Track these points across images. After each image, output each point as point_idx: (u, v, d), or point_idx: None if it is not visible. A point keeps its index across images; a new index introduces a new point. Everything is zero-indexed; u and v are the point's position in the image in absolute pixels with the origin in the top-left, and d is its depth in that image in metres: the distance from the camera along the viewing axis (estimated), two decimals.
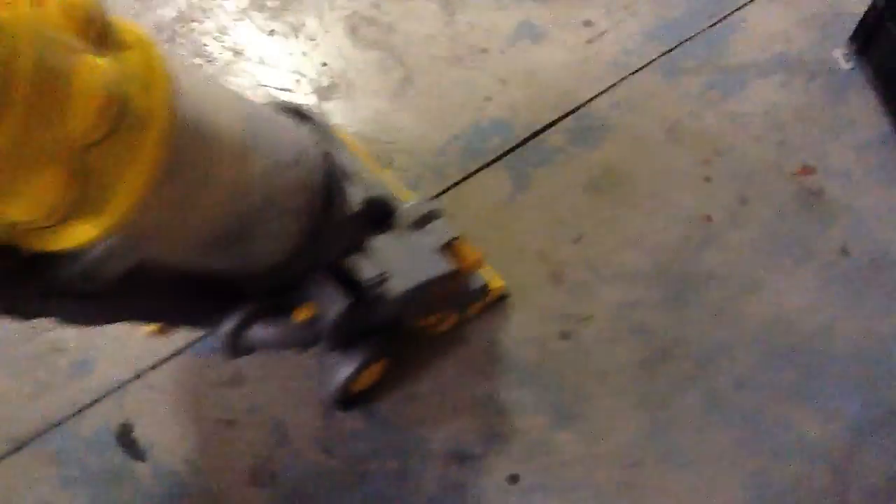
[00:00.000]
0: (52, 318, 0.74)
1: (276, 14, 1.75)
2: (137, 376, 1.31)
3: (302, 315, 0.96)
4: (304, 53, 1.70)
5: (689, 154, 1.54)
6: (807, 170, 1.53)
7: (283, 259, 0.92)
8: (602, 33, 1.68)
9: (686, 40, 1.70)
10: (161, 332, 1.07)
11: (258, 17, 1.75)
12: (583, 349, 1.31)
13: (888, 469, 1.20)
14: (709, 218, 1.45)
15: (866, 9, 1.63)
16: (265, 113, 0.88)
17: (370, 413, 1.26)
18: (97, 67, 0.59)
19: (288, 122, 0.92)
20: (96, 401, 1.29)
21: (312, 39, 1.72)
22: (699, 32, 1.71)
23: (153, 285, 0.82)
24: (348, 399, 1.14)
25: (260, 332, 0.95)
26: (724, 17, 1.74)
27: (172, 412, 1.27)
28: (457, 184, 1.48)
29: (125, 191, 0.63)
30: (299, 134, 0.91)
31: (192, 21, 1.75)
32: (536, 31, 1.71)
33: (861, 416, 1.25)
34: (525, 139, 1.57)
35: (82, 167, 0.61)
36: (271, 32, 1.73)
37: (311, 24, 1.74)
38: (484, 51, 1.68)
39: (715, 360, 1.29)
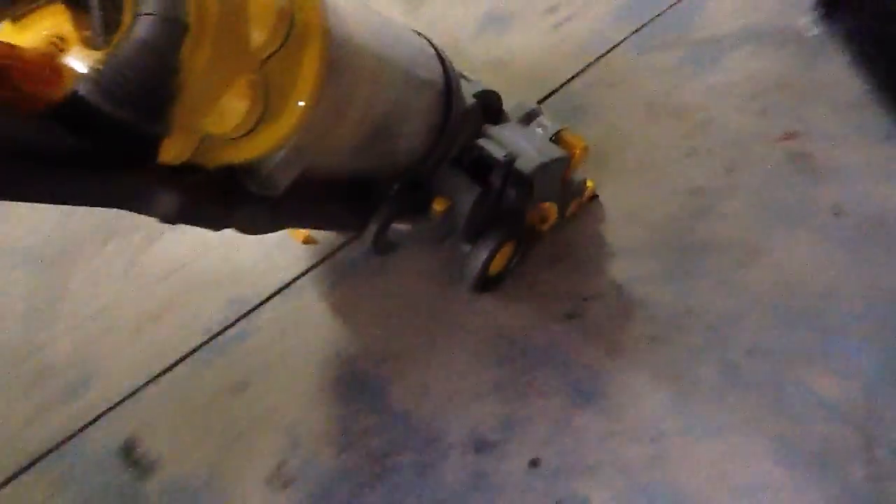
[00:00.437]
0: (233, 226, 0.85)
1: None
2: (141, 388, 1.26)
3: (438, 208, 1.08)
4: None
5: (672, 129, 1.56)
6: (791, 135, 1.55)
7: (419, 154, 1.05)
8: (568, 17, 1.71)
9: (654, 18, 1.74)
10: (309, 240, 1.25)
11: None
12: (592, 328, 1.31)
13: None
14: (700, 190, 1.46)
15: None
16: (390, 22, 0.99)
17: (383, 408, 1.23)
18: None
19: (405, 28, 1.04)
20: (97, 418, 1.24)
21: None
22: (666, 9, 1.75)
23: (313, 191, 0.94)
24: (485, 282, 1.26)
25: (402, 228, 1.08)
26: None
27: (178, 424, 1.23)
28: None
29: (297, 97, 0.75)
30: (416, 38, 1.04)
31: None
32: (503, 21, 1.73)
33: (877, 371, 1.26)
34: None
35: (263, 79, 0.72)
36: None
37: None
38: (452, 44, 1.67)
39: (724, 329, 1.30)
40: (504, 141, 1.14)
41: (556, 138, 1.23)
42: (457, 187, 1.10)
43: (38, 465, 1.20)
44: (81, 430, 1.25)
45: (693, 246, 1.40)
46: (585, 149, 1.27)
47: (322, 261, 1.44)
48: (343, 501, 1.16)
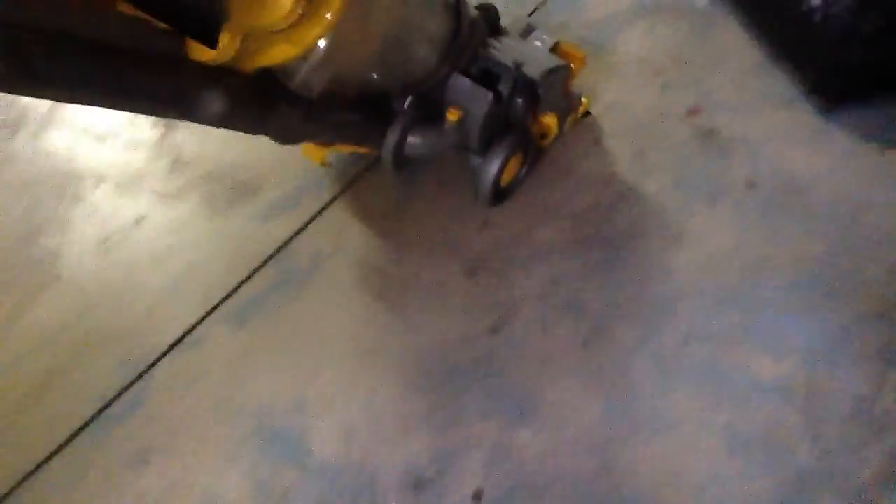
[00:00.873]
0: (269, 130, 0.95)
1: None
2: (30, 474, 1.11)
3: (452, 116, 1.15)
4: None
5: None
6: (695, 110, 1.53)
7: (431, 65, 1.12)
8: None
9: (542, 4, 1.70)
10: (326, 163, 1.36)
11: None
12: (519, 340, 1.25)
13: (852, 391, 1.18)
14: (612, 177, 1.41)
15: None
16: None
17: (305, 460, 1.13)
18: None
19: None
20: None
21: None
22: None
23: (338, 101, 1.03)
24: (498, 194, 1.32)
25: (418, 139, 1.15)
26: None
27: None
28: (337, 196, 1.37)
29: None
30: None
31: None
32: None
33: (811, 344, 1.25)
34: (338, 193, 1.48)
35: None
36: None
37: None
38: None
39: (656, 320, 1.25)
40: (508, 51, 1.19)
41: (554, 49, 1.31)
42: (469, 96, 1.16)
43: None
44: None
45: (614, 237, 1.36)
46: (583, 58, 1.35)
47: (221, 302, 1.33)
48: None
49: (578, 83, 1.53)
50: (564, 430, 1.17)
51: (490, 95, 1.15)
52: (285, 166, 1.40)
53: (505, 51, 1.20)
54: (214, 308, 1.33)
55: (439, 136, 1.17)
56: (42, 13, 0.65)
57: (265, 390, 1.24)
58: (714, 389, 1.21)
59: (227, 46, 0.78)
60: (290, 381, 1.25)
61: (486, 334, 1.25)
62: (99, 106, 0.76)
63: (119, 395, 1.28)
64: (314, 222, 1.36)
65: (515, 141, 1.26)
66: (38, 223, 1.51)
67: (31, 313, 1.38)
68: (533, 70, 1.20)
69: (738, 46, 1.64)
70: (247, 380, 1.25)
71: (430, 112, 1.15)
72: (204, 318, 1.32)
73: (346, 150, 1.33)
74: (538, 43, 1.31)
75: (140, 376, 1.30)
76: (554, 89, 1.29)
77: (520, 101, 1.20)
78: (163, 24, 0.74)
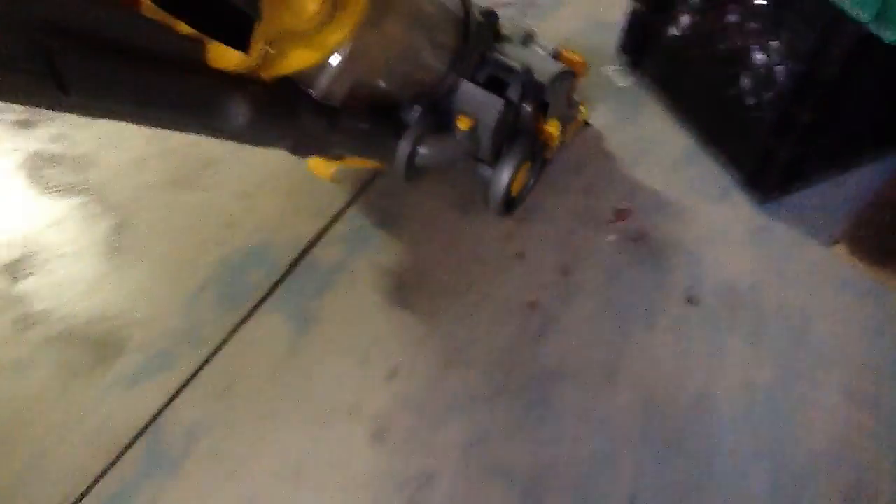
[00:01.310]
0: (290, 142, 0.93)
1: None
2: None
3: (463, 125, 1.13)
4: None
5: (493, 229, 1.33)
6: (622, 214, 1.37)
7: (443, 70, 1.12)
8: None
9: None
10: (335, 178, 1.31)
11: None
12: None
13: None
14: (534, 304, 1.22)
15: (629, 16, 1.56)
16: None
17: None
18: None
19: None
20: None
21: None
22: None
23: (356, 111, 1.00)
24: (508, 203, 1.30)
25: (429, 149, 1.13)
26: None
27: None
28: (219, 347, 1.15)
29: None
30: None
31: None
32: None
33: (769, 493, 1.10)
34: (292, 263, 1.30)
35: None
36: None
37: None
38: (212, 162, 1.37)
39: (597, 482, 1.09)
40: (514, 57, 1.19)
41: (556, 56, 1.31)
42: (479, 104, 1.15)
43: None
44: None
45: (542, 378, 1.19)
46: (585, 65, 1.36)
47: (80, 500, 1.08)
48: None
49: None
50: None
51: (501, 102, 1.14)
52: (154, 312, 1.18)
53: (511, 56, 1.20)
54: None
55: (450, 146, 1.16)
56: (66, 11, 0.63)
57: None
58: None
59: (252, 53, 0.77)
60: None
61: None
62: (118, 118, 0.73)
63: None
64: (190, 385, 1.13)
65: (526, 148, 1.24)
66: None
67: None
68: (541, 75, 1.20)
69: (664, 133, 1.50)
70: None
71: (439, 121, 1.15)
72: None
73: (354, 164, 1.28)
74: (540, 48, 1.31)
75: None
76: (560, 95, 1.28)
77: (528, 107, 1.20)
78: (186, 29, 0.72)
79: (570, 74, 1.28)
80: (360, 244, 1.30)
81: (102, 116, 0.72)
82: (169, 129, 0.80)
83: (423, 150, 1.13)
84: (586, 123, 1.50)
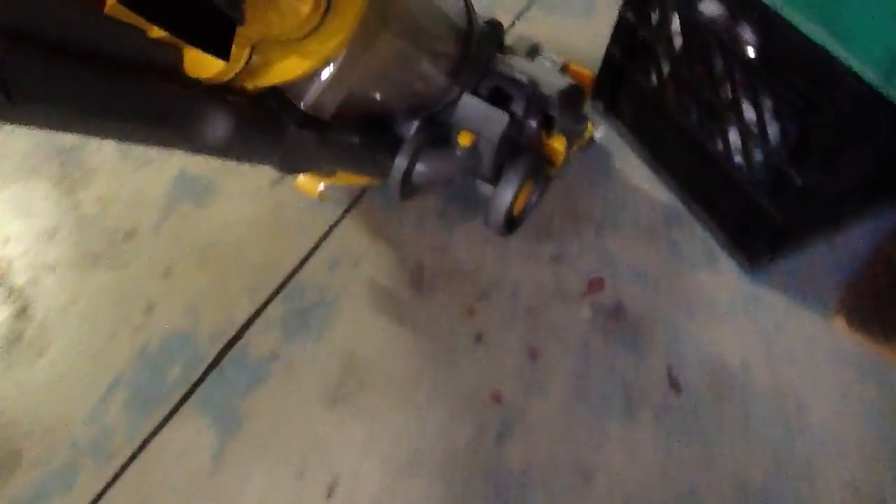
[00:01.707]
0: (278, 159, 0.84)
1: None
2: None
3: (464, 141, 1.07)
4: None
5: (450, 305, 1.21)
6: (596, 285, 1.22)
7: (444, 81, 1.04)
8: None
9: None
10: (324, 196, 1.19)
11: None
12: None
13: None
14: (497, 396, 1.06)
15: (603, 59, 1.42)
16: None
17: None
18: None
19: None
20: None
21: None
22: None
23: (349, 124, 0.94)
24: (510, 223, 1.21)
25: (427, 166, 1.07)
26: None
27: None
28: (130, 460, 0.98)
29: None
30: None
31: None
32: (202, 185, 1.25)
33: None
34: (219, 353, 1.14)
35: None
36: None
37: None
38: (131, 234, 1.19)
39: None
40: (519, 70, 1.11)
41: (564, 70, 1.26)
42: (482, 118, 1.08)
43: None
44: None
45: (506, 485, 1.04)
46: (592, 77, 1.31)
47: None
48: None
49: (454, 262, 1.27)
50: None
51: (506, 117, 1.07)
52: (56, 418, 1.02)
53: (516, 69, 1.12)
54: None
55: (449, 162, 1.10)
56: (12, 8, 0.55)
57: None
58: None
59: (232, 61, 0.71)
60: None
61: None
62: (78, 130, 0.63)
63: None
64: None
65: (529, 165, 1.15)
66: None
67: None
68: (547, 89, 1.11)
69: (642, 190, 1.37)
70: None
71: (438, 136, 1.09)
72: None
73: (345, 181, 1.17)
74: (546, 62, 1.26)
75: None
76: (566, 110, 1.19)
77: (534, 122, 1.12)
78: (158, 32, 0.65)
79: (577, 89, 1.19)
80: (297, 329, 1.13)
81: (59, 128, 0.63)
82: (139, 143, 0.71)
83: (420, 166, 1.07)
84: (592, 140, 1.41)
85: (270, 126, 0.82)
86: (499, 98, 1.11)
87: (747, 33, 1.15)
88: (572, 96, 1.20)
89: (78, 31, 0.61)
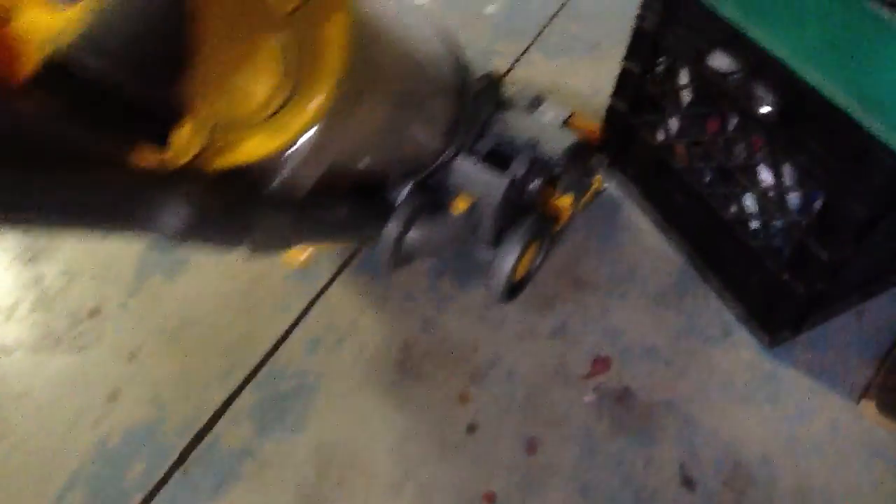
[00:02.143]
0: (249, 243, 0.76)
1: None
2: None
3: (461, 205, 1.00)
4: None
5: (440, 390, 1.12)
6: (601, 364, 1.11)
7: (438, 145, 0.98)
8: None
9: None
10: (306, 263, 1.10)
11: None
12: None
13: None
14: (490, 496, 0.97)
15: (607, 112, 1.31)
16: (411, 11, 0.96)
17: None
18: None
19: (425, 20, 0.98)
20: None
21: None
22: None
23: (332, 195, 0.86)
24: (513, 289, 1.14)
25: (421, 232, 0.99)
26: None
27: None
28: None
29: (329, 62, 0.69)
30: (434, 31, 0.98)
31: None
32: (174, 255, 1.14)
33: None
34: (186, 448, 1.04)
35: (291, 41, 0.66)
36: None
37: None
38: (95, 311, 1.08)
39: None
40: (519, 128, 1.05)
41: (568, 122, 1.18)
42: (480, 181, 1.01)
43: None
44: None
45: None
46: (598, 130, 1.24)
47: None
48: None
49: (447, 338, 1.17)
50: None
51: (505, 181, 1.00)
52: None
53: (516, 127, 1.06)
54: None
55: (445, 228, 1.02)
56: None
57: None
58: None
59: (188, 145, 0.64)
60: None
61: None
62: (15, 225, 0.56)
63: None
64: None
65: (532, 228, 1.08)
66: None
67: None
68: (550, 149, 1.05)
69: (651, 255, 1.28)
70: None
71: (432, 201, 1.01)
72: None
73: (331, 247, 1.14)
74: (551, 113, 1.19)
75: None
76: (572, 169, 1.11)
77: (536, 184, 1.06)
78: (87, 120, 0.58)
79: (583, 145, 1.12)
80: (273, 420, 1.03)
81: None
82: (90, 234, 0.64)
83: (413, 233, 0.99)
84: (600, 191, 1.33)
85: (238, 210, 0.74)
86: (498, 158, 1.03)
87: (765, 93, 1.03)
88: (578, 153, 1.12)
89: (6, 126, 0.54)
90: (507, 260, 1.08)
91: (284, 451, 1.03)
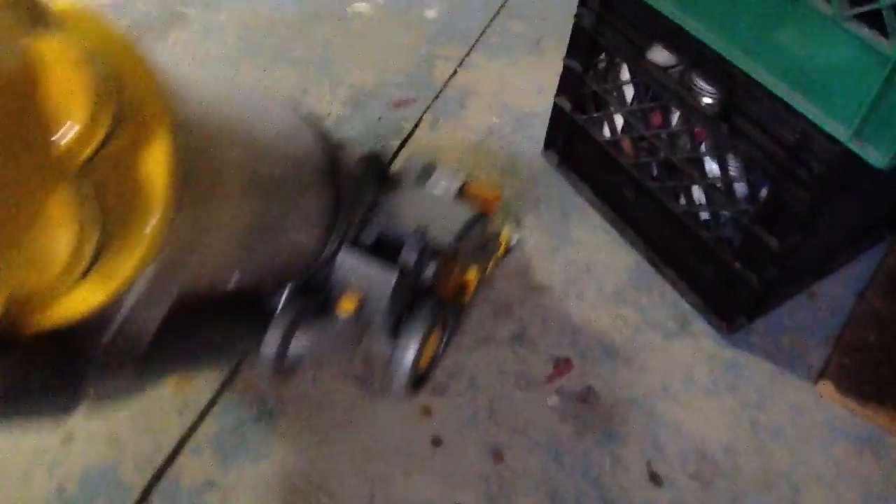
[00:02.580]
0: (95, 402, 0.62)
1: None
2: None
3: (347, 305, 0.90)
4: None
5: (401, 405, 1.10)
6: (563, 365, 1.11)
7: (314, 244, 0.88)
8: None
9: None
10: (186, 382, 1.04)
11: None
12: None
13: None
14: None
15: (552, 111, 1.33)
16: (247, 92, 0.89)
17: None
18: (68, 46, 0.47)
19: (267, 100, 0.89)
20: None
21: None
22: None
23: (191, 319, 0.72)
24: (417, 380, 1.00)
25: (306, 338, 0.87)
26: None
27: None
28: None
29: (147, 207, 0.55)
30: (283, 108, 0.89)
31: None
32: None
33: None
34: (146, 488, 1.00)
35: (92, 190, 0.51)
36: None
37: None
38: None
39: None
40: (407, 210, 0.97)
41: (462, 192, 1.08)
42: (367, 275, 0.91)
43: None
44: None
45: None
46: (498, 197, 1.14)
47: None
48: None
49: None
50: None
51: (394, 273, 0.90)
52: None
53: (403, 209, 0.97)
54: None
55: (332, 333, 0.90)
56: None
57: None
58: None
59: None
60: None
61: None
62: None
63: None
64: None
65: (431, 316, 0.97)
66: None
67: None
68: (441, 231, 0.96)
69: (606, 251, 1.28)
70: None
71: (316, 303, 0.90)
72: None
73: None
74: (443, 184, 1.08)
75: None
76: (469, 244, 1.03)
77: (430, 269, 0.96)
78: None
79: (479, 219, 1.03)
80: (234, 449, 1.01)
81: None
82: None
83: (296, 343, 0.86)
84: (508, 250, 1.24)
85: (60, 378, 0.60)
86: (386, 248, 0.93)
87: (705, 85, 1.03)
88: (473, 230, 1.03)
89: None
90: (408, 353, 0.98)
91: (249, 478, 1.00)
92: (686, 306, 1.20)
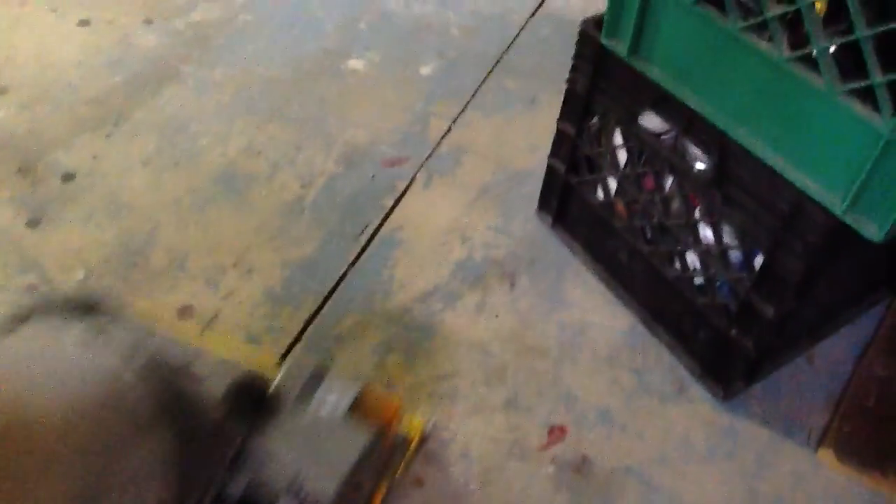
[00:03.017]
0: None
1: None
2: None
3: None
4: None
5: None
6: (557, 433, 1.07)
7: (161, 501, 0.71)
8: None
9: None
10: None
11: None
12: None
13: None
14: None
15: (546, 172, 1.32)
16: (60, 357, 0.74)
17: None
18: None
19: (82, 354, 0.75)
20: None
21: None
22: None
23: None
24: None
25: None
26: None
27: None
28: None
29: None
30: (102, 360, 0.74)
31: None
32: None
33: None
34: None
35: None
36: None
37: None
38: None
39: None
40: (283, 450, 0.83)
41: (357, 404, 0.92)
42: None
43: None
44: None
45: None
46: (399, 409, 0.99)
47: None
48: None
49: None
50: None
51: None
52: None
53: (279, 448, 0.83)
54: None
55: None
56: None
57: None
58: None
59: None
60: None
61: None
62: None
63: None
64: None
65: None
66: None
67: None
68: (321, 484, 0.82)
69: (600, 313, 1.26)
70: None
71: None
72: None
73: None
74: (331, 399, 0.92)
75: None
76: (364, 471, 0.89)
77: None
78: None
79: (375, 443, 0.90)
80: None
81: None
82: None
83: None
84: (424, 439, 1.09)
85: None
86: (258, 500, 0.83)
87: (698, 152, 1.02)
88: (366, 456, 0.89)
89: None
90: None
91: None
92: (682, 370, 1.18)
